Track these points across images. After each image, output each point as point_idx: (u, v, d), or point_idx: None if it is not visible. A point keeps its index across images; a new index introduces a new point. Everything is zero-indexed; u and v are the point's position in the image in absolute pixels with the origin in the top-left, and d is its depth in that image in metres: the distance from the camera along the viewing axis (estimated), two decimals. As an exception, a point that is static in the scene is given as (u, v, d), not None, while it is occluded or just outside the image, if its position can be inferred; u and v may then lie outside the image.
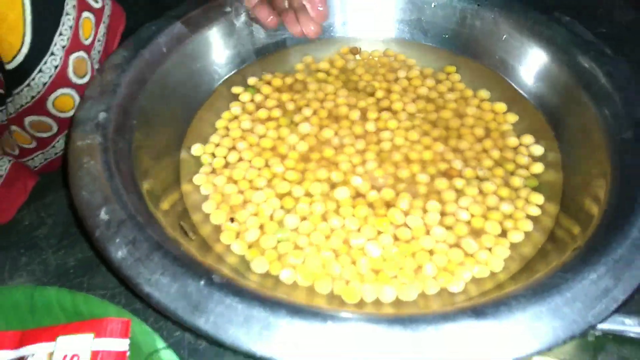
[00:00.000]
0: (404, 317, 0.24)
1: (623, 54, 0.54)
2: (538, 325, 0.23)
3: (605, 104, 0.35)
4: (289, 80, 0.45)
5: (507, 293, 0.25)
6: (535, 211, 0.35)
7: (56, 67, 0.32)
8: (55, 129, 0.36)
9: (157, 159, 0.36)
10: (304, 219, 0.35)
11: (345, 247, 0.34)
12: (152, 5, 0.49)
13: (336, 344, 0.23)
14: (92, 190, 0.29)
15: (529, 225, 0.34)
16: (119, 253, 0.26)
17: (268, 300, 0.24)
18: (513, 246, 0.33)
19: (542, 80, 0.41)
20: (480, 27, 0.44)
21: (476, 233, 0.34)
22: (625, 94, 0.34)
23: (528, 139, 0.39)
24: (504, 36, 0.43)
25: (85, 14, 0.34)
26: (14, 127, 0.36)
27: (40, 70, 0.32)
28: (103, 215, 0.27)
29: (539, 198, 0.35)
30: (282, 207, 0.36)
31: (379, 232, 0.34)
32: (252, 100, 0.43)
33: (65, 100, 0.34)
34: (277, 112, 0.42)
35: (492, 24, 0.44)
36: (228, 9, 0.43)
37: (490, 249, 0.33)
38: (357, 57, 0.47)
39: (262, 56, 0.46)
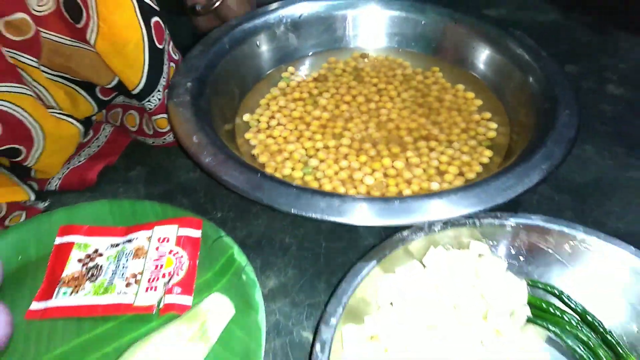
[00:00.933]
0: (384, 197, 0.38)
1: (578, 65, 0.69)
2: (464, 202, 0.37)
3: (537, 87, 0.50)
4: (314, 74, 0.61)
5: (448, 189, 0.39)
6: (486, 160, 0.49)
7: (159, 99, 0.49)
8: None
9: (222, 118, 0.52)
10: (321, 161, 0.50)
11: (349, 179, 0.49)
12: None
13: (339, 208, 0.38)
14: (185, 127, 0.45)
15: (480, 169, 0.48)
16: (206, 159, 0.41)
17: (299, 186, 0.39)
18: (467, 181, 0.48)
19: (500, 76, 0.56)
20: (457, 39, 0.60)
21: (442, 174, 0.49)
22: (550, 79, 0.49)
23: (487, 115, 0.54)
24: (474, 45, 0.58)
25: (171, 63, 0.51)
26: (132, 111, 0.53)
27: (148, 100, 0.48)
28: (194, 140, 0.43)
29: (489, 153, 0.50)
30: (306, 154, 0.51)
31: (374, 170, 0.49)
32: (287, 86, 0.59)
33: (164, 122, 0.50)
34: (305, 95, 0.58)
35: (465, 37, 0.59)
36: (272, 21, 0.60)
37: (450, 182, 0.47)
38: (366, 60, 0.63)
39: (296, 58, 0.62)
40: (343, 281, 0.37)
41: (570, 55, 0.70)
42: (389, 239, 0.40)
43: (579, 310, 0.39)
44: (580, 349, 0.38)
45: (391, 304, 0.38)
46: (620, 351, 0.37)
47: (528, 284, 0.40)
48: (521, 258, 0.41)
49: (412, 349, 0.36)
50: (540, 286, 0.41)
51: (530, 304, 0.40)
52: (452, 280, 0.39)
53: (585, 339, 0.38)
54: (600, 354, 0.37)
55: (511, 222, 0.40)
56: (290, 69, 0.61)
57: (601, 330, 0.38)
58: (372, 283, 0.38)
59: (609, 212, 0.49)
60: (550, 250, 0.41)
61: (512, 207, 0.41)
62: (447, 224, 0.39)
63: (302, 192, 0.39)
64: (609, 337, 0.38)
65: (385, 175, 0.49)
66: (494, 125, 0.53)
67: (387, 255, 0.39)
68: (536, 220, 0.40)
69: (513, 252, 0.42)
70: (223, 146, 0.44)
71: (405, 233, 0.40)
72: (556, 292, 0.40)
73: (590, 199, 0.50)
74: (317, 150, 0.51)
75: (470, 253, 0.41)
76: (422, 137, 0.53)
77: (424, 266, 0.40)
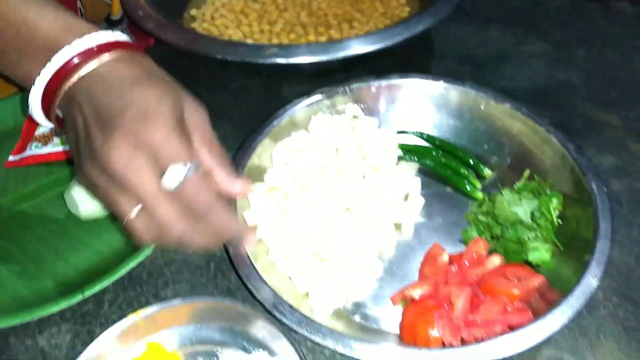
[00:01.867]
0: (295, 44, 0.46)
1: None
2: (361, 43, 0.46)
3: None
4: (256, -23, 0.68)
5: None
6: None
7: None
8: None
9: (173, 10, 0.59)
10: (256, 40, 0.58)
11: (280, 52, 0.57)
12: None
13: (257, 52, 0.46)
14: (132, 5, 0.52)
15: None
16: (150, 26, 0.49)
17: (225, 39, 0.47)
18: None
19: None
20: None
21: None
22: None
23: (403, 1, 0.62)
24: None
25: None
26: None
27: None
28: (140, 13, 0.51)
29: (401, 27, 0.58)
30: (244, 36, 0.59)
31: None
32: (231, -12, 0.67)
33: None
34: (246, -7, 0.65)
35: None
36: None
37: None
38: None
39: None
40: (238, 152, 0.43)
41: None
42: (275, 112, 0.46)
43: (438, 143, 0.48)
44: (444, 170, 0.46)
45: (285, 164, 0.45)
46: (475, 166, 0.46)
47: (397, 132, 0.48)
48: (389, 113, 0.49)
49: (308, 189, 0.42)
50: (408, 133, 0.48)
51: (401, 147, 0.48)
52: (333, 139, 0.45)
53: (446, 162, 0.47)
54: (461, 170, 0.46)
55: (374, 84, 0.47)
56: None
57: (459, 154, 0.47)
58: (265, 151, 0.44)
59: (502, 76, 0.58)
60: (410, 101, 0.48)
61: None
62: (324, 93, 0.46)
63: (229, 43, 0.47)
64: (466, 158, 0.47)
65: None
66: (407, 8, 0.61)
67: (274, 126, 0.45)
68: (393, 79, 0.48)
69: (382, 110, 0.49)
70: (173, 23, 0.51)
71: (288, 106, 0.46)
72: (419, 134, 0.48)
73: (487, 68, 0.59)
74: (253, 33, 0.59)
75: (346, 116, 0.47)
76: (345, 20, 0.61)
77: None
